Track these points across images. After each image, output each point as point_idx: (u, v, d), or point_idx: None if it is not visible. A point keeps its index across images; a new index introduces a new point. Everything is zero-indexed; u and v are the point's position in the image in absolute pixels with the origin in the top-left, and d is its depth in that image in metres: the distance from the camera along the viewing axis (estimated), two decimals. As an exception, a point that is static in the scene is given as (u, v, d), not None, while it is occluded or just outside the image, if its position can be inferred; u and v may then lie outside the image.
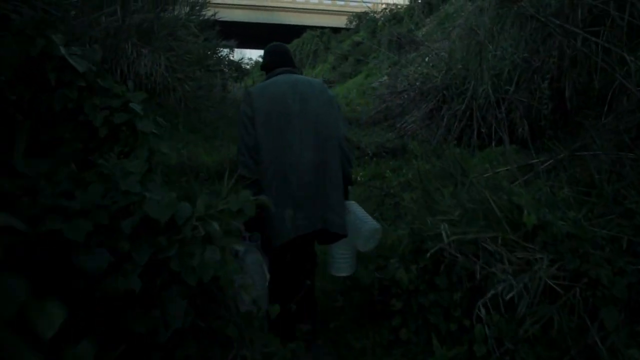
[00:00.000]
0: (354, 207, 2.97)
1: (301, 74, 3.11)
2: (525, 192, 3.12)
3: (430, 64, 10.31)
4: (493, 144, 7.06)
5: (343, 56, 23.94)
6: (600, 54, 4.73)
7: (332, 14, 35.17)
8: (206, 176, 5.51)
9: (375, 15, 25.66)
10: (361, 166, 7.19)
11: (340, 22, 31.67)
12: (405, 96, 9.89)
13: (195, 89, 7.91)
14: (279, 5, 36.37)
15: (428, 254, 2.93)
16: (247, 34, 39.79)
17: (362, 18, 27.33)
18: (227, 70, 12.17)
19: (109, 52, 7.16)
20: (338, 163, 2.81)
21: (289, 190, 2.66)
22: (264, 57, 3.07)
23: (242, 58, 15.08)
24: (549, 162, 4.44)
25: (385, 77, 19.49)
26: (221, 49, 12.92)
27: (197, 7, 9.06)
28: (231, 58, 13.50)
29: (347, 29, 29.40)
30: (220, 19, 33.27)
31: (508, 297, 2.62)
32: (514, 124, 6.88)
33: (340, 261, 2.96)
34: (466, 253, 2.88)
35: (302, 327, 2.61)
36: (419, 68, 10.28)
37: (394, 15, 23.41)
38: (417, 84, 9.71)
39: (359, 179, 6.14)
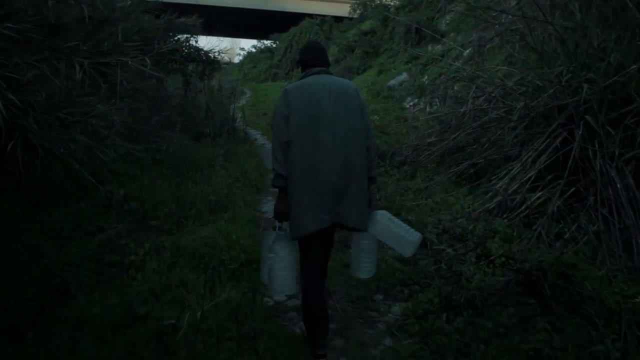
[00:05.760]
0: (391, 216, 2.92)
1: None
2: None
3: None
4: None
5: (349, 47, 18.83)
6: None
7: (333, 1, 30.03)
8: None
9: (386, 1, 20.59)
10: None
11: (342, 10, 26.68)
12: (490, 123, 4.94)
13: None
14: (275, -9, 31.20)
15: None
16: (240, 22, 34.85)
17: (367, 6, 22.18)
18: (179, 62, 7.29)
19: None
20: (363, 166, 2.73)
21: (315, 188, 2.60)
22: (300, 54, 2.99)
23: (228, 47, 9.85)
24: None
25: (405, 75, 14.74)
26: (177, 34, 8.03)
27: None
28: (195, 44, 8.42)
29: (349, 18, 24.36)
30: (210, 5, 27.65)
31: None
32: None
33: (364, 264, 2.86)
34: None
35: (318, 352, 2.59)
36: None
37: (410, 1, 18.28)
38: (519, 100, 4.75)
39: None
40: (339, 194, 2.61)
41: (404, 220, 4.19)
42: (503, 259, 3.32)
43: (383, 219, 2.84)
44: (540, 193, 3.80)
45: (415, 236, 2.84)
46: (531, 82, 4.93)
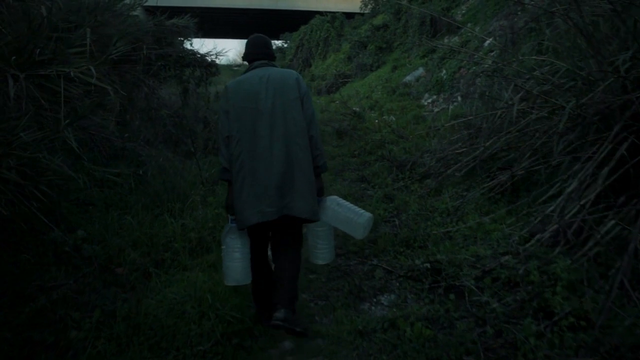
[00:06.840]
0: (340, 200, 2.93)
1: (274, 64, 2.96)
2: None
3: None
4: None
5: (361, 43, 17.83)
6: None
7: (344, -3, 29.03)
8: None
9: (397, -6, 19.54)
10: None
11: (354, 6, 25.59)
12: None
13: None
14: (284, -10, 30.34)
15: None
16: (251, 23, 34.06)
17: (378, 0, 21.15)
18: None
19: None
20: (307, 155, 2.72)
21: (254, 180, 2.63)
22: (245, 48, 2.95)
23: (217, 49, 8.91)
24: None
25: (421, 70, 13.75)
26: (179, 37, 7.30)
27: None
28: (191, 47, 7.60)
29: (361, 14, 23.41)
30: (219, 7, 26.89)
31: None
32: None
33: (320, 251, 2.95)
34: None
35: (277, 315, 2.57)
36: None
37: (423, -8, 17.19)
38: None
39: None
40: (283, 186, 2.62)
41: (433, 261, 3.30)
42: (572, 319, 2.40)
43: (332, 204, 2.87)
44: (613, 221, 2.84)
45: (364, 217, 2.85)
46: (580, 75, 3.96)
